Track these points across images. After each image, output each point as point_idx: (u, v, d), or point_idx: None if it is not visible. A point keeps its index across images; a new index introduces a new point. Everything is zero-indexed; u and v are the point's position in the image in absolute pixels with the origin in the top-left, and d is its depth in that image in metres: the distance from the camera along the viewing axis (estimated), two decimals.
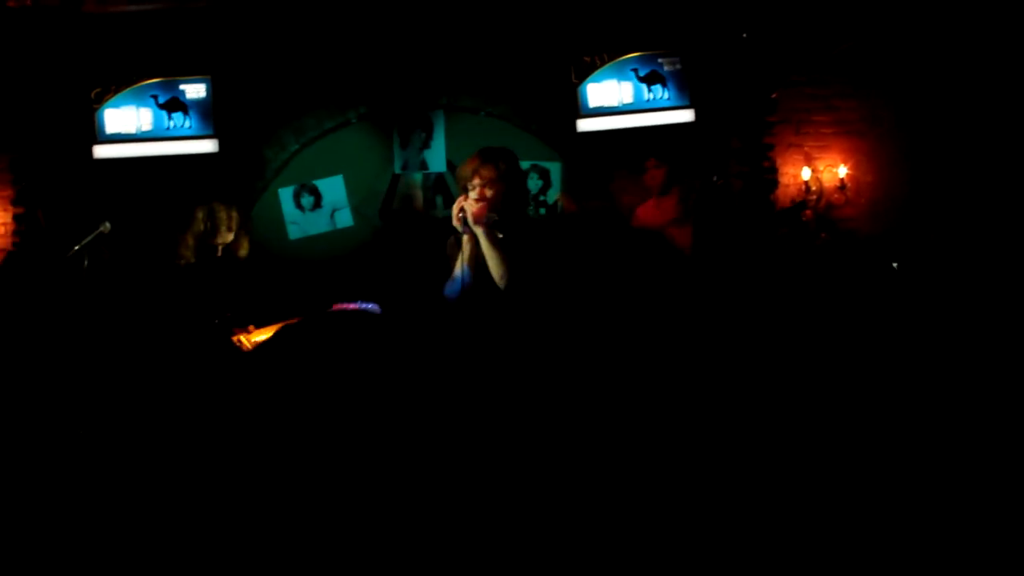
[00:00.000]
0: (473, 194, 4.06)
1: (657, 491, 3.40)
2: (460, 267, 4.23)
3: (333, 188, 6.23)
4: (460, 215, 4.09)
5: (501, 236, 3.97)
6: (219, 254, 4.61)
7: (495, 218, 4.09)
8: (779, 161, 6.57)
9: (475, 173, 4.11)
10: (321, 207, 6.23)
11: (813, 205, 6.52)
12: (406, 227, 6.27)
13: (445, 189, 6.31)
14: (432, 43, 6.20)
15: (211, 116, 5.99)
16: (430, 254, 6.12)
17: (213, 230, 4.57)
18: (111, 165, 5.87)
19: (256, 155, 6.19)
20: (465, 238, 4.07)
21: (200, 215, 4.55)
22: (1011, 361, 4.50)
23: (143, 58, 5.97)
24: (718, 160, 6.44)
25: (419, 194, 6.34)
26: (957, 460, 3.33)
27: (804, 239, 6.40)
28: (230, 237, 4.67)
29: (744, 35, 6.35)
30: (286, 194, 6.17)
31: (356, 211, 6.27)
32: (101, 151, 5.86)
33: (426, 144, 6.31)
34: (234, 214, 4.63)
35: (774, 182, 6.53)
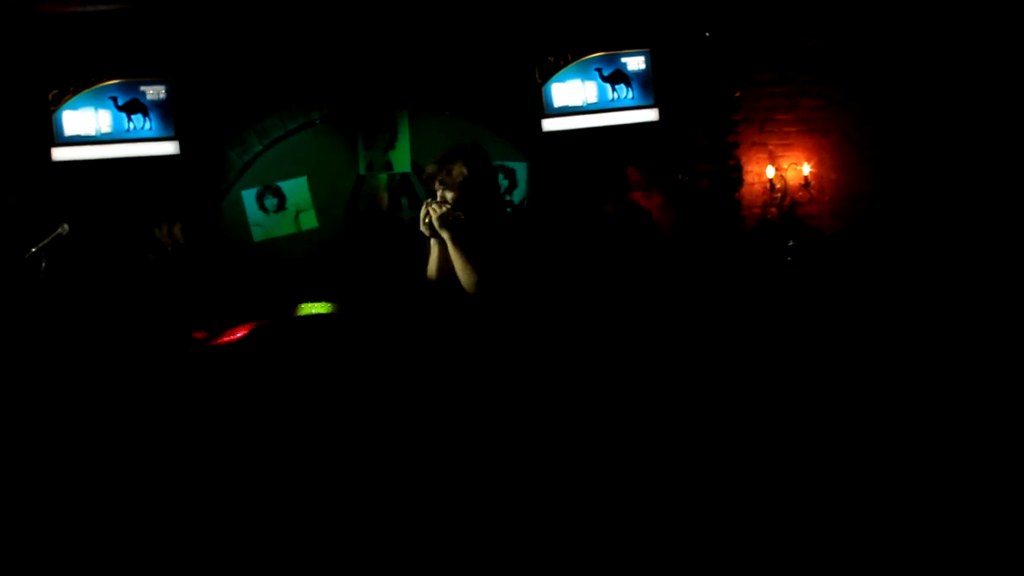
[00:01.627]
0: (438, 195, 4.01)
1: (646, 487, 3.39)
2: (430, 267, 4.18)
3: (297, 189, 6.17)
4: (426, 220, 4.03)
5: (468, 235, 3.92)
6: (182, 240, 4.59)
7: (461, 218, 4.03)
8: (744, 159, 6.61)
9: (439, 173, 4.05)
10: (285, 209, 6.17)
11: (778, 203, 6.56)
12: (371, 228, 6.23)
13: (410, 190, 6.28)
14: (396, 43, 6.16)
15: (172, 118, 5.91)
16: (395, 255, 6.13)
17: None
18: (70, 167, 5.78)
19: (219, 157, 6.12)
20: (433, 243, 4.02)
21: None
22: (979, 351, 4.54)
23: (102, 59, 5.87)
24: (683, 159, 6.47)
25: (384, 195, 6.29)
26: (922, 453, 3.35)
27: (771, 236, 6.43)
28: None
29: (707, 34, 6.38)
30: (249, 196, 6.11)
31: (321, 212, 6.22)
32: (60, 153, 5.77)
33: (390, 145, 6.27)
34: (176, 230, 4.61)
35: (739, 180, 6.56)
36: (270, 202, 6.14)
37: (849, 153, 6.70)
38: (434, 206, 3.96)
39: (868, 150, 6.70)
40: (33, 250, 4.22)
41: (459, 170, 4.04)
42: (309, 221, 6.19)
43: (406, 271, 5.91)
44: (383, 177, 6.29)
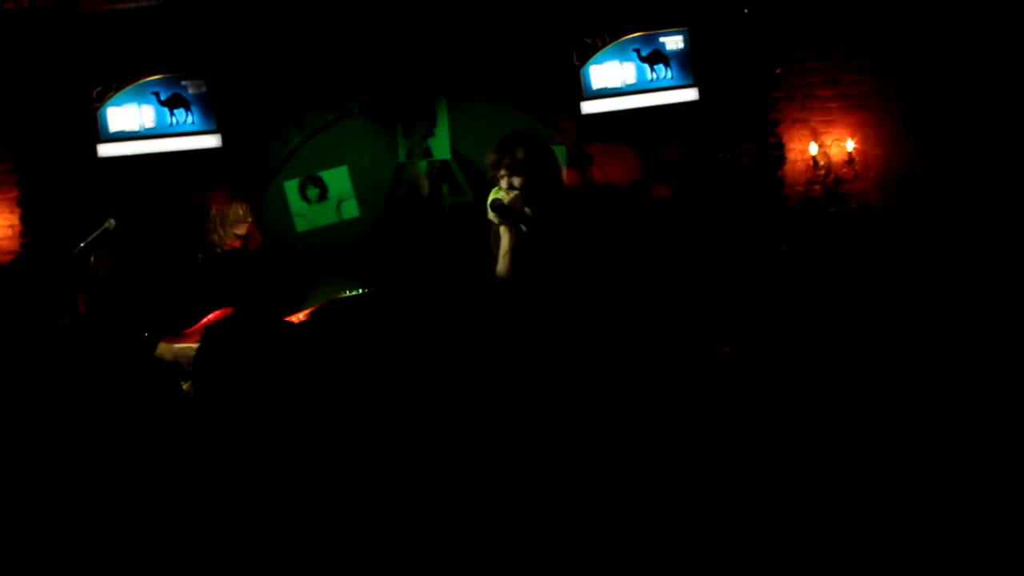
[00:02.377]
0: (503, 183, 3.98)
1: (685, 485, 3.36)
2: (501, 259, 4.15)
3: (338, 179, 6.21)
4: (494, 205, 4.01)
5: (525, 230, 3.91)
6: (227, 248, 4.50)
7: (527, 214, 3.97)
8: (785, 137, 6.53)
9: (504, 158, 4.01)
10: (327, 199, 6.21)
11: (821, 180, 6.48)
12: (412, 215, 6.25)
13: (451, 176, 6.29)
14: (432, 30, 6.16)
15: (213, 111, 5.97)
16: (437, 241, 6.15)
17: (224, 224, 4.44)
18: (115, 163, 5.86)
19: (261, 149, 6.17)
20: (503, 229, 4.00)
21: (221, 197, 4.44)
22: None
23: (143, 55, 5.94)
24: (724, 138, 6.41)
25: (425, 182, 6.31)
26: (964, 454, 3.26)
27: (814, 213, 6.36)
28: (243, 230, 4.55)
29: (745, 10, 6.30)
30: (292, 187, 6.15)
31: (362, 201, 6.25)
32: (105, 149, 5.86)
33: (429, 132, 6.28)
34: (246, 207, 4.51)
35: (781, 158, 6.48)
36: (312, 192, 6.19)
37: (894, 128, 6.59)
38: (503, 192, 3.92)
39: (913, 126, 6.58)
40: (82, 245, 4.29)
41: (522, 153, 4.00)
42: (351, 210, 6.23)
43: (447, 257, 5.95)
44: (423, 164, 6.30)
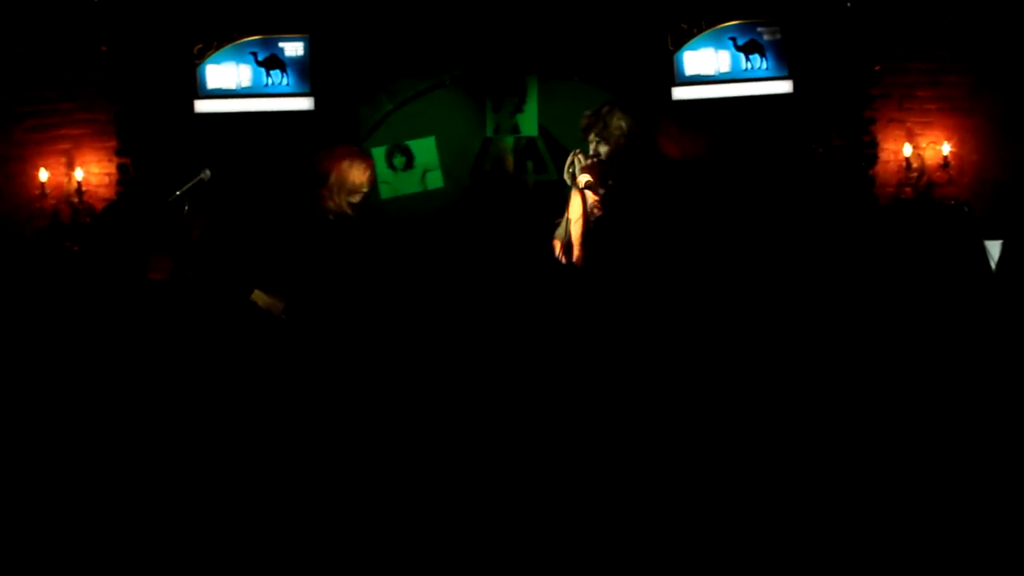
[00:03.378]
0: (591, 148, 3.92)
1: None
2: (563, 223, 4.11)
3: (425, 149, 6.26)
4: (570, 169, 3.97)
5: (601, 192, 3.86)
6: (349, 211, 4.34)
7: (599, 189, 3.92)
8: (880, 136, 6.38)
9: (596, 125, 3.94)
10: (412, 168, 6.26)
11: (914, 182, 6.32)
12: (496, 190, 6.28)
13: (536, 154, 6.29)
14: (527, 6, 6.15)
15: (308, 74, 6.06)
16: (519, 217, 6.17)
17: (341, 192, 4.29)
18: (211, 119, 5.99)
19: (351, 114, 6.25)
20: (573, 192, 3.97)
21: (344, 164, 4.29)
22: None
23: (243, 16, 6.06)
24: (817, 133, 6.29)
25: (510, 158, 6.33)
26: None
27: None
28: (358, 199, 4.40)
29: (848, 4, 6.17)
30: (379, 154, 6.22)
31: (447, 173, 6.29)
32: (202, 106, 5.99)
33: (518, 108, 6.30)
34: (365, 177, 4.36)
35: (874, 157, 6.35)
36: (398, 160, 6.25)
37: (994, 135, 6.38)
38: (580, 156, 3.87)
39: (1012, 133, 6.37)
40: (177, 193, 4.38)
41: (617, 122, 3.91)
42: (435, 181, 6.28)
43: (528, 234, 5.96)
44: (510, 140, 6.32)
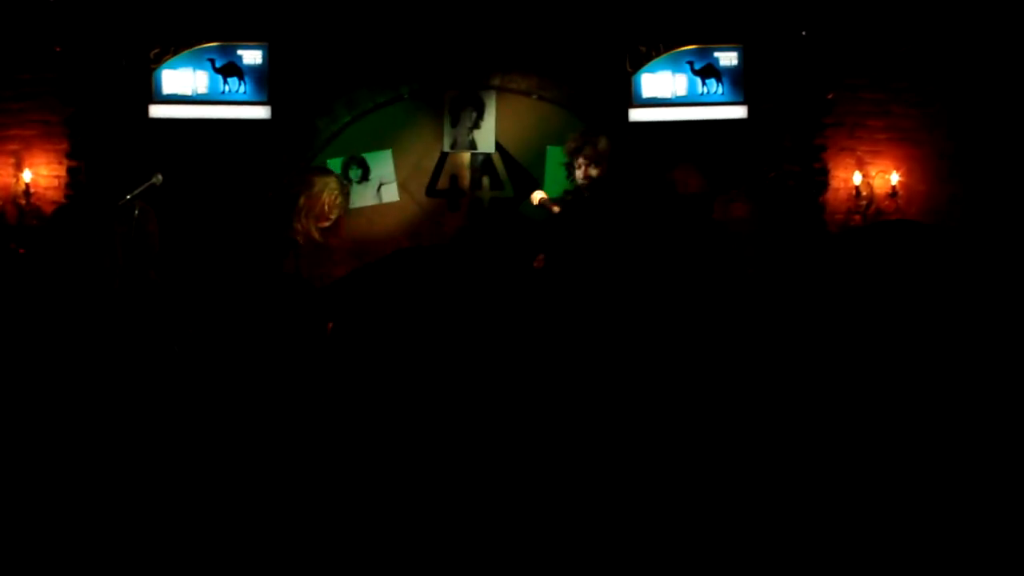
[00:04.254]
0: (579, 172, 4.01)
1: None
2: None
3: (381, 162, 6.26)
4: (547, 199, 4.02)
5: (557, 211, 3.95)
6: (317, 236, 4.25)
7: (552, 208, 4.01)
8: (831, 164, 6.49)
9: (584, 147, 4.04)
10: (368, 180, 6.25)
11: (863, 210, 6.44)
12: (451, 205, 6.29)
13: (492, 170, 6.32)
14: (487, 23, 6.19)
15: (265, 83, 6.03)
16: (474, 233, 6.19)
17: (322, 208, 4.23)
18: (166, 125, 5.93)
19: (307, 125, 6.23)
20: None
21: (315, 190, 4.25)
22: None
23: (202, 21, 6.02)
24: (769, 159, 6.39)
25: (466, 174, 6.35)
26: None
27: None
28: (327, 225, 4.35)
29: (803, 33, 6.28)
30: (335, 165, 6.20)
31: (402, 187, 6.29)
32: (157, 111, 5.93)
33: (476, 124, 6.32)
34: (335, 202, 4.30)
35: (824, 184, 6.45)
36: (354, 172, 6.23)
37: (941, 166, 6.52)
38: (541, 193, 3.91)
39: (961, 165, 6.52)
40: (128, 197, 4.34)
41: (605, 144, 4.03)
42: (391, 194, 6.27)
43: (477, 249, 5.98)
44: (467, 156, 6.33)
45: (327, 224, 4.22)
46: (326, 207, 4.20)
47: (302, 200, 4.19)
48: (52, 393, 4.23)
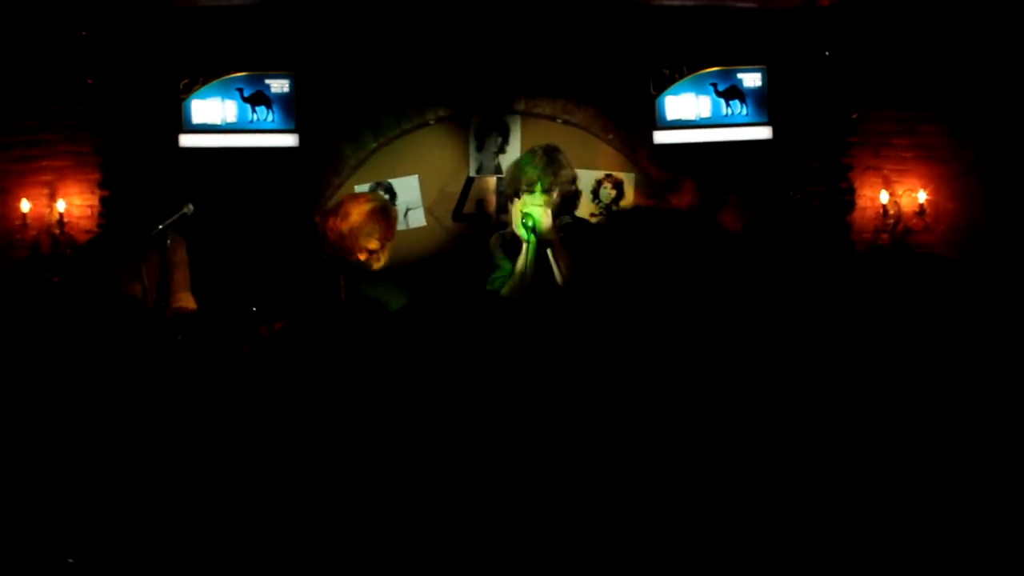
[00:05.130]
0: (539, 199, 4.02)
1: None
2: (522, 269, 4.16)
3: (408, 188, 6.31)
4: (528, 223, 4.03)
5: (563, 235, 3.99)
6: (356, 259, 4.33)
7: (569, 222, 4.05)
8: (857, 183, 6.48)
9: (545, 175, 4.06)
10: (395, 206, 6.29)
11: (890, 229, 6.41)
12: (478, 230, 6.32)
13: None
14: (512, 49, 6.25)
15: (293, 111, 6.10)
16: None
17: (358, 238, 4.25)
18: (195, 153, 6.02)
19: (335, 152, 6.30)
20: (527, 246, 4.03)
21: (367, 208, 4.30)
22: None
23: (230, 52, 6.11)
24: (795, 179, 6.39)
25: (492, 199, 6.39)
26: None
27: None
28: (376, 245, 4.38)
29: (827, 53, 6.29)
30: (362, 191, 6.26)
31: (428, 212, 6.34)
32: (187, 140, 6.01)
33: (501, 149, 6.36)
34: (382, 225, 4.35)
35: (851, 204, 6.44)
36: None
37: (970, 184, 6.48)
38: (536, 209, 3.95)
39: (988, 183, 6.48)
40: (160, 227, 4.40)
41: (568, 172, 4.09)
42: (417, 219, 6.32)
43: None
44: (493, 180, 6.37)
45: (376, 246, 4.29)
46: (374, 227, 4.26)
47: (351, 220, 4.25)
48: (83, 420, 4.28)
